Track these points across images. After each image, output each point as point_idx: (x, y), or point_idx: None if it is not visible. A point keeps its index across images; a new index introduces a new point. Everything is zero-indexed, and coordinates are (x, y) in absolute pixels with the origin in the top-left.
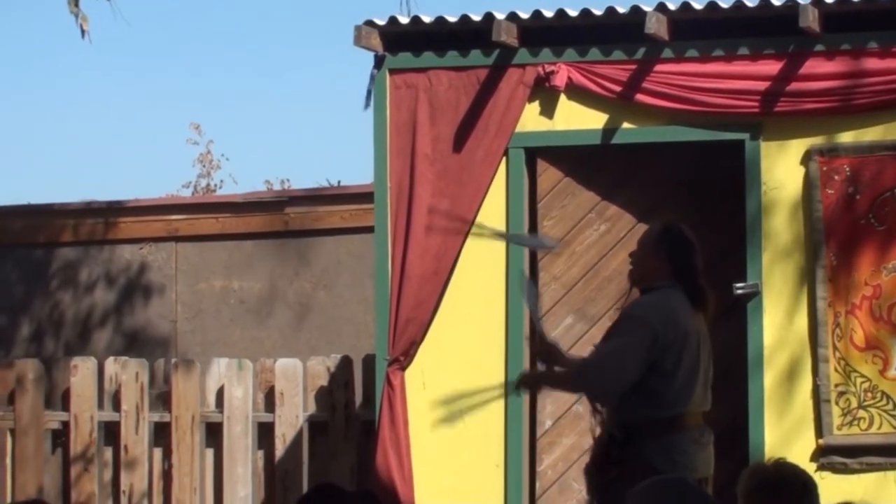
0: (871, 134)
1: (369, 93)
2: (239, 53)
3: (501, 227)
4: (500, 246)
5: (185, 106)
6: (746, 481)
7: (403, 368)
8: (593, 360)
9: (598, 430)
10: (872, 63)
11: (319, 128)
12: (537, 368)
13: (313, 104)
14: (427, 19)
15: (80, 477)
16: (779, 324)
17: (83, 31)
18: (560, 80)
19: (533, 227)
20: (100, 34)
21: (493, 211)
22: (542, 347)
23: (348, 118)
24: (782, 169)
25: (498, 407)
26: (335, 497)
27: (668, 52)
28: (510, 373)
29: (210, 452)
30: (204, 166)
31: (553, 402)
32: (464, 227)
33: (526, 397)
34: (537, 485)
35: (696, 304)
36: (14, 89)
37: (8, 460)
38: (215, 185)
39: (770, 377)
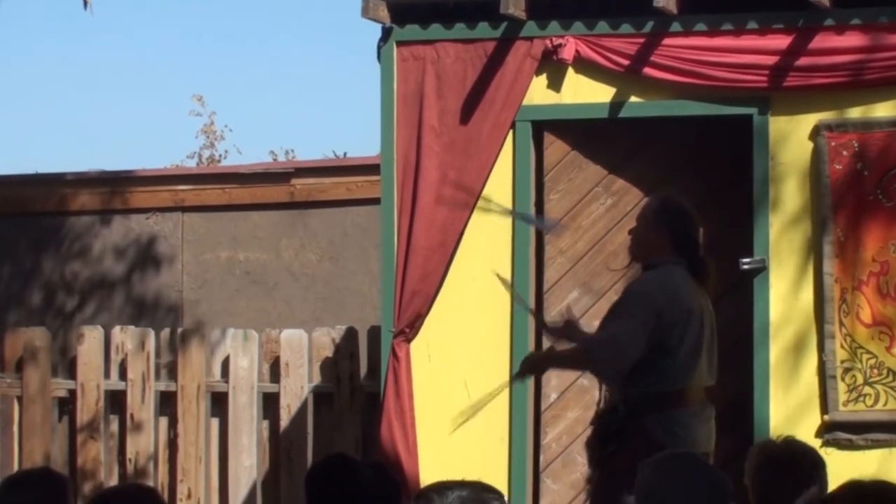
0: (881, 109)
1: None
2: (241, 25)
3: (508, 200)
4: (507, 219)
5: (187, 77)
6: (755, 457)
7: (409, 340)
8: (599, 340)
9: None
10: (883, 38)
11: (322, 99)
12: (542, 349)
13: (318, 75)
14: None
15: (87, 445)
16: (785, 299)
17: (85, 3)
18: (568, 54)
19: (539, 200)
20: (102, 5)
21: (499, 184)
22: (562, 328)
23: (353, 90)
24: (790, 144)
25: (503, 379)
26: (348, 467)
27: (676, 26)
28: (515, 346)
29: (215, 422)
30: (207, 137)
31: (558, 376)
32: (471, 199)
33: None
34: (541, 458)
35: (698, 277)
36: (22, 60)
37: (15, 428)
38: (219, 157)
39: (776, 353)
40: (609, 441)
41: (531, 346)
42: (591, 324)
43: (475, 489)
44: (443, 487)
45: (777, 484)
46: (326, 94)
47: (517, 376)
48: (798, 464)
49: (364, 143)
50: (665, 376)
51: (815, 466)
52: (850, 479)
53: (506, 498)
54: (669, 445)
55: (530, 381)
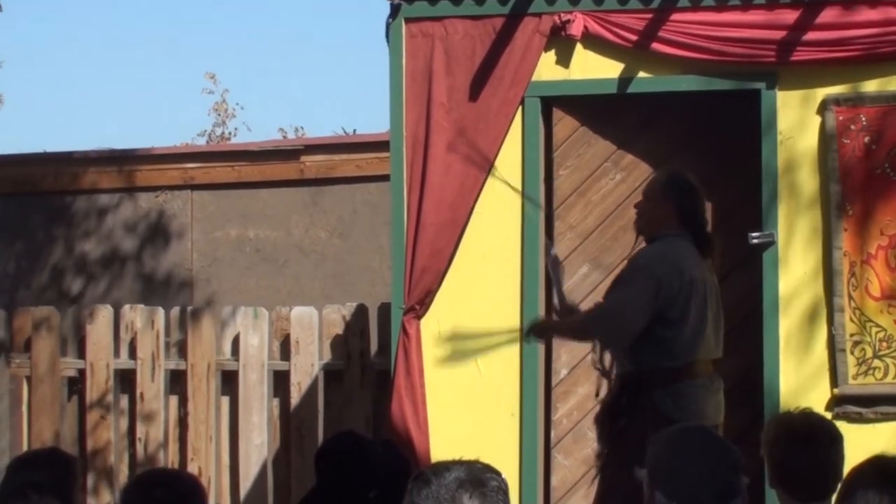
0: (889, 83)
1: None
2: (254, 3)
3: (517, 176)
4: (517, 196)
5: (200, 55)
6: (773, 430)
7: (419, 317)
8: (598, 310)
9: (602, 385)
10: (891, 12)
11: (332, 77)
12: (551, 317)
13: (328, 53)
14: None
15: (96, 424)
16: (794, 273)
17: None
18: (576, 30)
19: (549, 176)
20: None
21: (508, 160)
22: (531, 333)
23: (363, 67)
24: (798, 118)
25: (513, 356)
26: (358, 445)
27: (684, 1)
28: (525, 321)
29: (226, 400)
30: (219, 115)
31: (568, 352)
32: (485, 164)
33: (542, 346)
34: (552, 433)
35: (703, 251)
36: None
37: (24, 407)
38: (230, 134)
39: (785, 327)
40: (619, 416)
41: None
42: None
43: (473, 469)
44: (440, 468)
45: (794, 457)
46: (337, 72)
47: (526, 335)
48: (816, 437)
49: (374, 120)
50: (671, 349)
51: (833, 440)
52: (874, 455)
53: (505, 476)
54: (678, 418)
55: (540, 357)
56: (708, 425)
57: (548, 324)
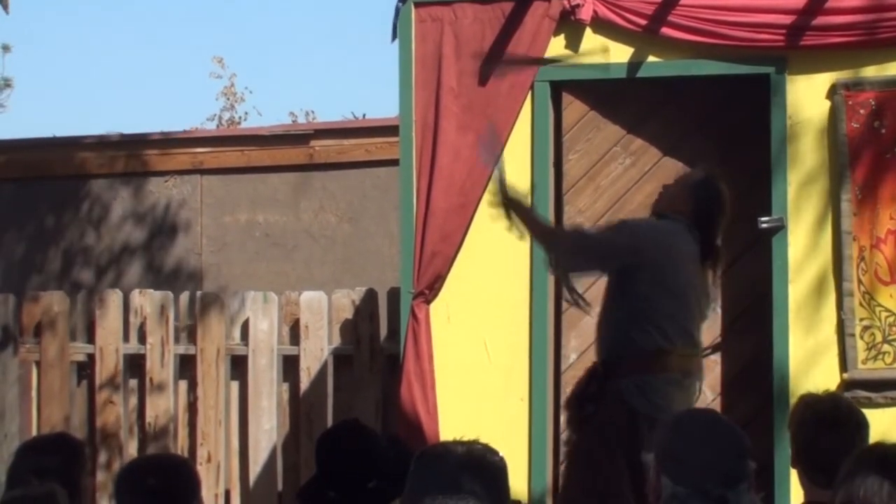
0: None
1: (395, 26)
2: None
3: (527, 160)
4: (526, 180)
5: (208, 39)
6: (800, 412)
7: (428, 302)
8: (572, 233)
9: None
10: None
11: (344, 60)
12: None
13: (337, 37)
14: None
15: (106, 409)
16: (803, 257)
17: None
18: (585, 14)
19: (558, 160)
20: None
21: (518, 144)
22: (506, 197)
23: (373, 51)
24: (807, 103)
25: (523, 340)
26: (361, 432)
27: None
28: (535, 307)
29: (235, 385)
30: (228, 99)
31: (577, 336)
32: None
33: (550, 332)
34: (561, 418)
35: (705, 259)
36: (41, 24)
37: (34, 393)
38: (239, 118)
39: (794, 311)
40: (586, 403)
41: (550, 306)
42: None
43: (473, 449)
44: (440, 448)
45: (820, 441)
46: (347, 56)
47: (501, 194)
48: (843, 423)
49: (383, 104)
50: (646, 330)
51: (860, 427)
52: (874, 442)
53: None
54: (644, 410)
55: (550, 341)
56: None
57: (524, 207)
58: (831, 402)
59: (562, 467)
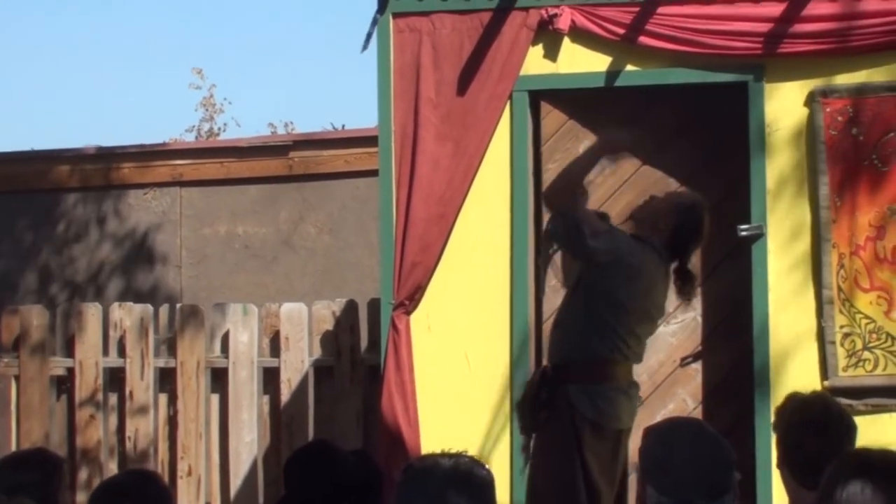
0: (875, 75)
1: (369, 36)
2: None
3: (506, 170)
4: (505, 189)
5: (186, 50)
6: (788, 413)
7: (409, 312)
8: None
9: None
10: (875, 4)
11: (323, 71)
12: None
13: (316, 47)
14: None
15: (86, 423)
16: (783, 265)
17: None
18: (563, 23)
19: (537, 169)
20: None
21: (497, 154)
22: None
23: (352, 62)
24: (785, 110)
25: (503, 351)
26: (328, 454)
27: None
28: (515, 317)
29: (215, 398)
30: (207, 110)
31: None
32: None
33: (532, 342)
34: None
35: (683, 285)
36: (18, 37)
37: (13, 407)
38: (218, 130)
39: (774, 319)
40: (538, 409)
41: (531, 316)
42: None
43: (460, 462)
44: (428, 461)
45: (808, 444)
46: (326, 67)
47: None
48: (834, 427)
49: (363, 115)
50: (608, 341)
51: (849, 431)
52: (856, 449)
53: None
54: (594, 418)
55: (531, 352)
56: (619, 428)
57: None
58: (822, 404)
59: (525, 475)
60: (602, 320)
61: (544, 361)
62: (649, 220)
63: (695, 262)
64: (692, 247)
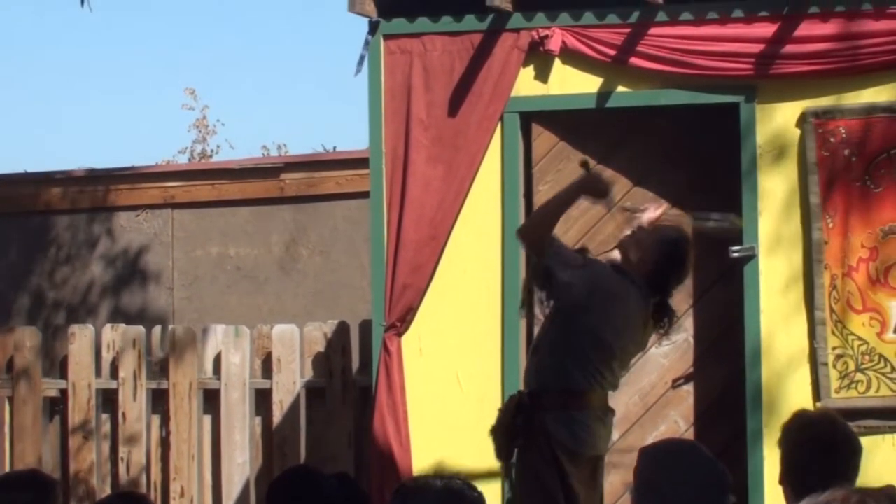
0: (867, 96)
1: (362, 59)
2: (233, 18)
3: (497, 192)
4: (497, 211)
5: (179, 71)
6: (796, 433)
7: (400, 334)
8: (553, 240)
9: None
10: (867, 24)
11: (316, 93)
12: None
13: (309, 69)
14: None
15: (78, 445)
16: (775, 286)
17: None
18: (554, 45)
19: (528, 191)
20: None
21: (488, 175)
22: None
23: (344, 84)
24: (777, 131)
25: (495, 371)
26: (311, 479)
27: (662, 16)
28: (506, 338)
29: (208, 419)
30: (200, 132)
31: None
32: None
33: (522, 363)
34: None
35: (659, 320)
36: (10, 57)
37: (6, 428)
38: (211, 151)
39: (766, 340)
40: (515, 435)
41: (522, 337)
42: None
43: (452, 484)
44: (420, 483)
45: (814, 464)
46: (318, 89)
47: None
48: (839, 447)
49: (354, 136)
50: (587, 372)
51: (855, 452)
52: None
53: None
54: (571, 445)
55: (521, 372)
56: (593, 455)
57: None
58: (829, 424)
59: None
60: (580, 352)
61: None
62: (635, 255)
63: (686, 283)
64: (673, 282)
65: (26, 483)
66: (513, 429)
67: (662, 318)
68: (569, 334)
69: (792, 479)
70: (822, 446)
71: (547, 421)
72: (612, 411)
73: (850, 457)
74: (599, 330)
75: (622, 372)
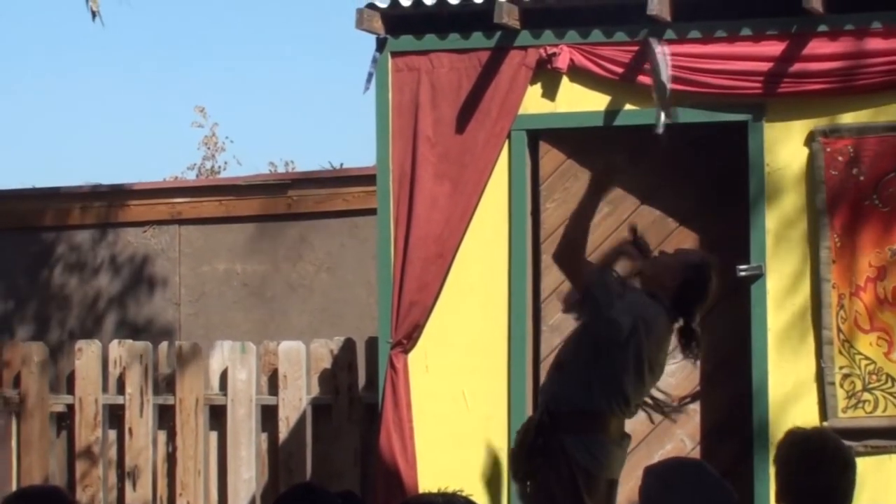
0: (876, 115)
1: (370, 76)
2: (243, 36)
3: (504, 210)
4: (503, 229)
5: (189, 89)
6: (787, 448)
7: (406, 351)
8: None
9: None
10: (876, 43)
11: (324, 110)
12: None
13: (317, 87)
14: (429, 2)
15: (85, 460)
16: (782, 305)
17: (94, 14)
18: (562, 62)
19: (535, 209)
20: (105, 17)
21: (495, 193)
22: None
23: (353, 101)
24: (785, 150)
25: (501, 389)
26: (316, 497)
27: (670, 34)
28: (513, 355)
29: (214, 435)
30: (209, 148)
31: None
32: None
33: (529, 381)
34: None
35: (687, 345)
36: (21, 73)
37: (13, 443)
38: (219, 168)
39: (774, 359)
40: (534, 457)
41: (529, 355)
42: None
43: (454, 500)
44: (423, 499)
45: (806, 479)
46: (326, 106)
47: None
48: (829, 463)
49: (362, 154)
50: (612, 398)
51: (847, 466)
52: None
53: None
54: (589, 467)
55: (528, 389)
56: (609, 479)
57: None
58: (819, 440)
59: None
60: (611, 378)
61: (539, 398)
62: (657, 279)
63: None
64: (697, 306)
65: (48, 499)
66: (532, 449)
67: (690, 343)
68: (601, 359)
69: (785, 496)
70: (809, 462)
71: (567, 442)
72: (628, 436)
73: (842, 471)
74: (635, 362)
75: (642, 398)
